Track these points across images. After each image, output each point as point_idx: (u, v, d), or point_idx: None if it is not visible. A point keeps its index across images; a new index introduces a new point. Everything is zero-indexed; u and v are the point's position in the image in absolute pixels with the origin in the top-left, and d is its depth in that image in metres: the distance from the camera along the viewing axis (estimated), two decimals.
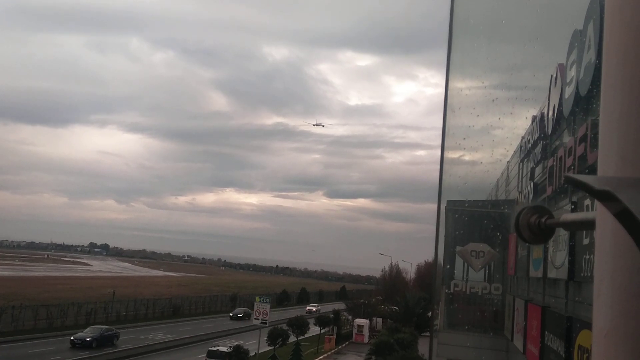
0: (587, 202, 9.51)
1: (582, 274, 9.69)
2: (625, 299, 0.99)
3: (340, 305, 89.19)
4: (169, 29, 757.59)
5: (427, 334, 58.77)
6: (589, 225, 1.16)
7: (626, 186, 0.81)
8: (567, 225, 1.41)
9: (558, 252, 11.43)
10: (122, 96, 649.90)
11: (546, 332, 11.81)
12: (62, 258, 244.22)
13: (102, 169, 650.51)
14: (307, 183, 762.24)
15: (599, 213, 1.07)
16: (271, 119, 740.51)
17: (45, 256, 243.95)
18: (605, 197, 0.80)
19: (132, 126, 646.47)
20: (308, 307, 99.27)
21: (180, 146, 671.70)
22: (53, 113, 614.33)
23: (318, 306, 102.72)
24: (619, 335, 0.99)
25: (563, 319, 10.40)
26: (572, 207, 10.91)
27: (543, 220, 1.40)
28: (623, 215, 0.80)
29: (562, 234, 10.84)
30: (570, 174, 0.89)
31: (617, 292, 1.01)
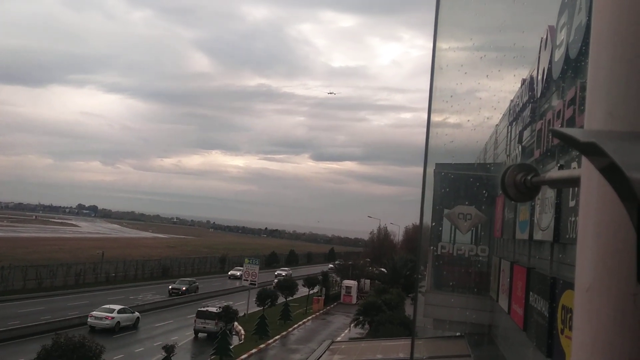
0: (574, 164, 9.55)
1: (567, 236, 9.79)
2: (608, 254, 1.00)
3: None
4: None
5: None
6: (574, 182, 1.16)
7: (612, 139, 0.80)
8: (552, 182, 1.41)
9: (544, 214, 11.53)
10: (101, 55, 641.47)
11: (531, 293, 11.99)
12: (51, 219, 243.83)
13: (86, 130, 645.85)
14: (292, 146, 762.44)
15: (584, 169, 1.07)
16: (254, 80, 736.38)
17: (34, 217, 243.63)
18: (590, 150, 0.79)
19: (112, 86, 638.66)
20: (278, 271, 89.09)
21: (163, 107, 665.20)
22: (31, 72, 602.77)
23: (289, 270, 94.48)
24: (601, 290, 1.00)
25: (547, 279, 10.54)
26: (559, 169, 10.96)
27: (529, 178, 1.40)
28: (608, 169, 0.80)
29: (549, 196, 10.92)
30: (556, 128, 0.89)
31: (600, 247, 1.01)
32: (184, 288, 65.42)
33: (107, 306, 45.14)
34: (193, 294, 66.06)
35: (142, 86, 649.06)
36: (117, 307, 45.30)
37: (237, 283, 74.39)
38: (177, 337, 42.44)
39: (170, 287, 65.60)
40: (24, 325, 40.23)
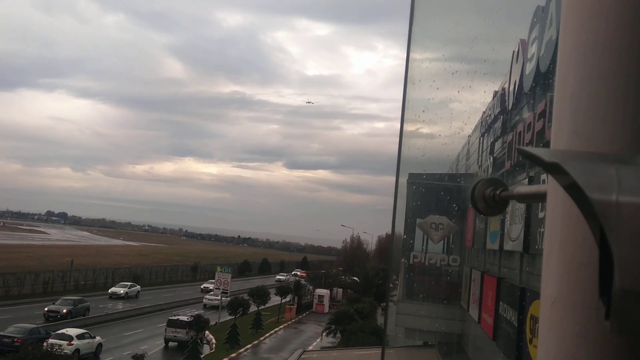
0: (544, 176, 9.71)
1: (536, 247, 9.93)
2: (572, 268, 1.02)
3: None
4: None
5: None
6: (541, 197, 1.19)
7: (575, 159, 0.83)
8: (520, 197, 1.44)
9: (514, 225, 11.67)
10: (71, 59, 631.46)
11: (500, 303, 12.12)
12: (19, 226, 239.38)
13: (56, 135, 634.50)
14: (266, 153, 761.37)
15: (551, 185, 1.10)
16: (228, 87, 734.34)
17: (1, 224, 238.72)
18: (554, 169, 0.82)
19: (83, 91, 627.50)
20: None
21: (135, 113, 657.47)
22: None
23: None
24: (566, 303, 1.02)
25: (517, 289, 10.67)
26: (529, 181, 11.12)
27: (498, 192, 1.44)
28: (572, 188, 0.82)
29: (519, 208, 11.07)
30: (523, 147, 0.91)
31: (565, 261, 1.04)
32: (64, 310, 48.34)
33: (213, 292, 61.98)
34: (81, 317, 49.39)
35: (114, 91, 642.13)
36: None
37: (120, 305, 60.40)
38: (147, 346, 41.95)
39: (46, 308, 49.12)
40: None
